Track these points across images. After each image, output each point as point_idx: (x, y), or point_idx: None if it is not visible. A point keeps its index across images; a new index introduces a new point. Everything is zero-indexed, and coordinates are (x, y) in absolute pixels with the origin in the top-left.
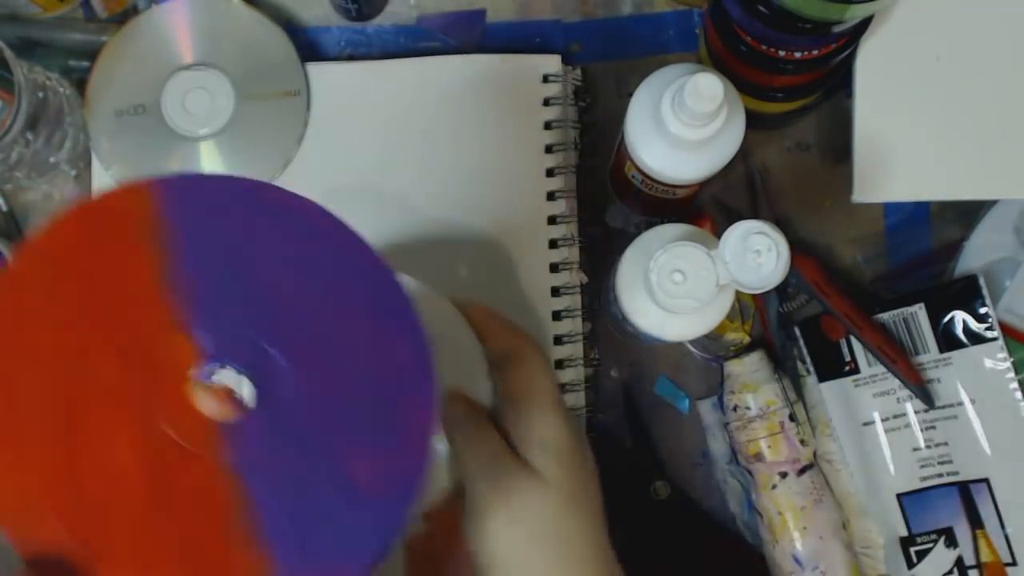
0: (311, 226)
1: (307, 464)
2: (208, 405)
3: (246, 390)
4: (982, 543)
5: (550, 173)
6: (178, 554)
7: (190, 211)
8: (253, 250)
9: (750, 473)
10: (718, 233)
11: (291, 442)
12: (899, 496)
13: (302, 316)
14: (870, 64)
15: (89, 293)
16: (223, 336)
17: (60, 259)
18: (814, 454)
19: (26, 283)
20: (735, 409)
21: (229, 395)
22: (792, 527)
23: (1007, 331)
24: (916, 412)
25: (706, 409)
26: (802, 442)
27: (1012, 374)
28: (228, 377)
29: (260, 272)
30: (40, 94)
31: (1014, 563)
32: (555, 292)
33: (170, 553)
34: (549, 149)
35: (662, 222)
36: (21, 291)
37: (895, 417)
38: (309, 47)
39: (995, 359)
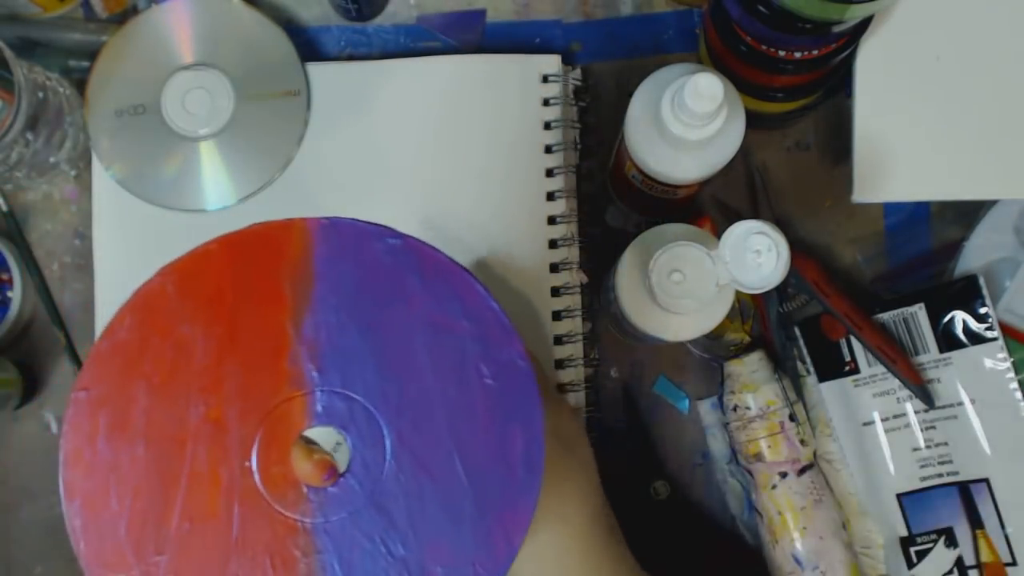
0: (462, 303)
1: (385, 545)
2: (303, 468)
3: (342, 459)
4: (982, 543)
5: (550, 173)
6: None
7: (340, 260)
8: (393, 314)
9: (750, 473)
10: (718, 233)
11: (374, 520)
12: (899, 496)
13: (423, 390)
14: (870, 64)
15: (221, 325)
16: (336, 399)
17: (200, 285)
18: (814, 454)
19: (163, 303)
20: (735, 409)
21: (325, 465)
22: (792, 527)
23: (1007, 331)
24: (916, 412)
25: (706, 409)
26: (802, 442)
27: (1012, 374)
28: (329, 439)
29: (394, 338)
30: (40, 94)
31: (1014, 563)
32: (555, 292)
33: None
34: (549, 149)
35: (662, 222)
36: (157, 311)
37: (895, 417)
38: (309, 47)
39: (995, 359)
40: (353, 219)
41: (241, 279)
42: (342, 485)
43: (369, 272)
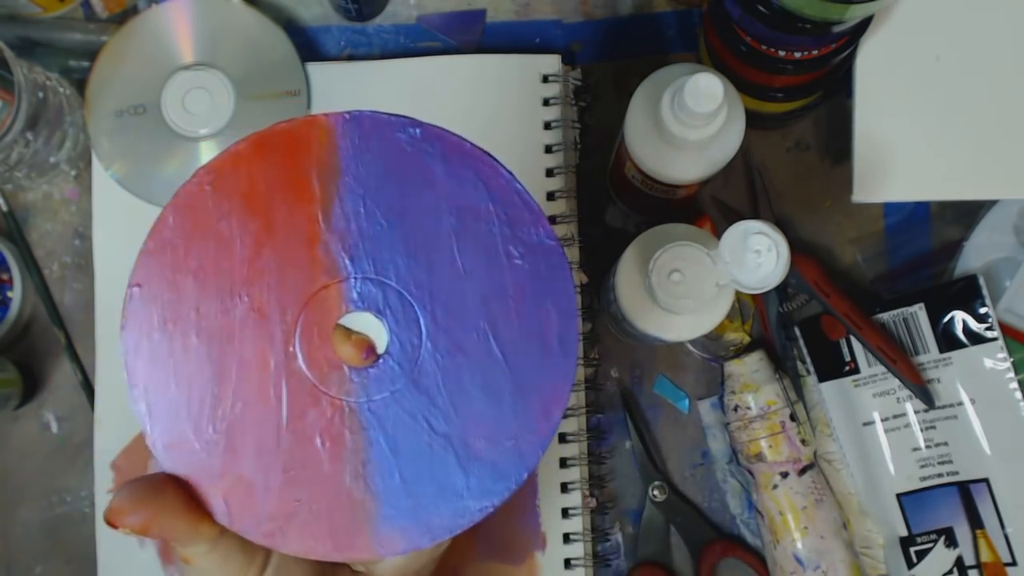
0: (487, 187)
1: (427, 422)
2: (344, 350)
3: (381, 341)
4: (982, 543)
5: (550, 173)
6: (293, 479)
7: (363, 152)
8: (419, 201)
9: (751, 473)
10: (718, 233)
11: (415, 399)
12: (899, 496)
13: (454, 274)
14: (870, 64)
15: (256, 219)
16: (370, 284)
17: (234, 183)
18: (815, 454)
19: (202, 202)
20: (736, 409)
21: (364, 344)
22: (793, 527)
23: (1007, 331)
24: (916, 412)
25: (706, 409)
26: (803, 442)
27: (1012, 374)
28: (367, 323)
29: (422, 225)
30: (40, 94)
31: (1014, 563)
32: None
33: (286, 477)
34: (549, 149)
35: (662, 222)
36: (197, 209)
37: (895, 417)
38: (309, 47)
39: (995, 359)
40: (373, 111)
41: (271, 175)
42: (382, 366)
43: (393, 162)
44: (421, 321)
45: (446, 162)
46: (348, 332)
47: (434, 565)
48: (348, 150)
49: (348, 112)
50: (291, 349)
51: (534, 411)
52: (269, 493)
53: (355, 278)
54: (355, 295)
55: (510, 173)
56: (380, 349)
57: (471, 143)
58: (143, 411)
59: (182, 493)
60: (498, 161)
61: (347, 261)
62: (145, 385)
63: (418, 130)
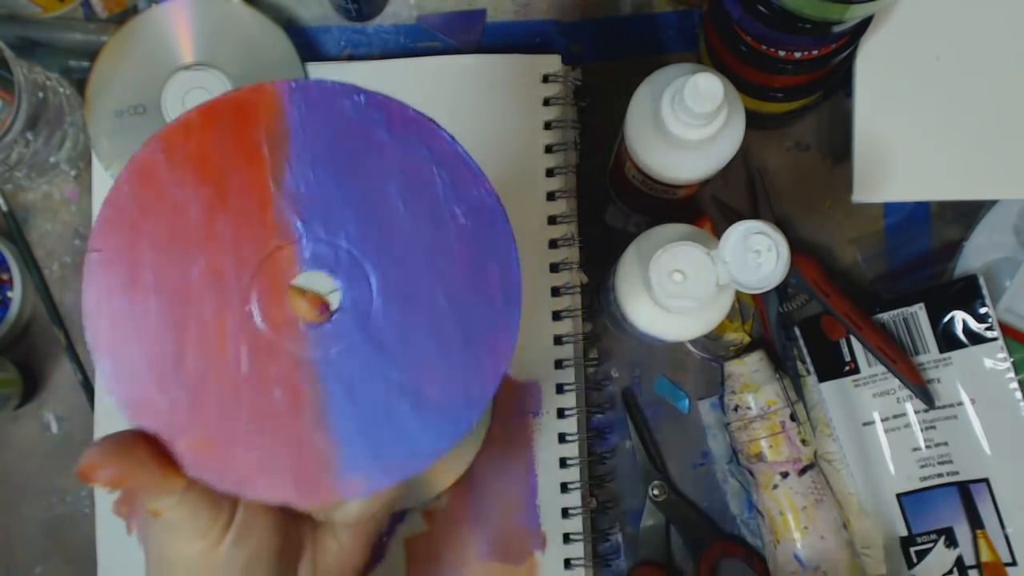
0: (430, 150)
1: (381, 371)
2: (299, 307)
3: (334, 297)
4: (982, 543)
5: (550, 173)
6: (255, 430)
7: (311, 119)
8: (366, 165)
9: (751, 473)
10: (718, 233)
11: (369, 350)
12: (899, 496)
13: (401, 233)
14: (870, 64)
15: (209, 185)
16: (321, 245)
17: (186, 151)
18: (815, 454)
19: (155, 169)
20: (736, 409)
21: (318, 301)
22: (793, 527)
23: (1007, 331)
24: (916, 412)
25: (706, 409)
26: (803, 442)
27: (1012, 374)
28: (320, 281)
29: (369, 188)
30: (40, 94)
31: (1014, 563)
32: (555, 292)
33: (249, 428)
34: (549, 149)
35: (662, 222)
36: (151, 177)
37: (895, 417)
38: (309, 47)
39: (995, 359)
40: (319, 80)
41: (222, 142)
42: (336, 321)
43: (339, 128)
44: (371, 278)
45: (391, 127)
46: (302, 290)
47: (389, 509)
48: (296, 117)
49: (294, 80)
50: (248, 308)
51: (482, 359)
52: (234, 444)
53: (307, 239)
54: (308, 255)
55: (451, 137)
56: (333, 305)
57: (414, 110)
58: (108, 371)
59: (151, 447)
60: (439, 126)
61: (299, 223)
62: (108, 346)
63: (362, 97)
